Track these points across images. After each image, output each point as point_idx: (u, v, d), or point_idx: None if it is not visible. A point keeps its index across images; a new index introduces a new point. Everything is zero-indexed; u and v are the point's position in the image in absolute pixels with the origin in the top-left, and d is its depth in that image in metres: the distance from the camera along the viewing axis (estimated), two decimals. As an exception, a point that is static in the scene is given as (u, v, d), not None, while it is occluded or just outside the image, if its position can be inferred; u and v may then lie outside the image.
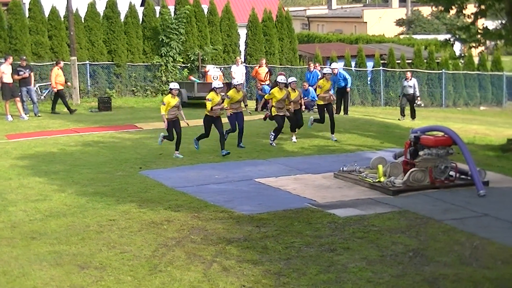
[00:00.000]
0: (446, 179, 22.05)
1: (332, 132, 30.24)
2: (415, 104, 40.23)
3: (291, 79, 30.63)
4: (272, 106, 29.19)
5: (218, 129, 27.26)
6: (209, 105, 26.66)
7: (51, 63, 42.74)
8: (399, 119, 38.91)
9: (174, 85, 26.87)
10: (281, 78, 29.60)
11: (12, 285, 14.82)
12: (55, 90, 38.06)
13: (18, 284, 14.83)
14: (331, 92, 31.83)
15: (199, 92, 41.05)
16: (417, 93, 40.26)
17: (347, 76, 40.31)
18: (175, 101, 26.32)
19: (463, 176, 22.69)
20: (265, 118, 31.46)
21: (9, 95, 35.57)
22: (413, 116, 39.63)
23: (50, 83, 41.51)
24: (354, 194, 21.14)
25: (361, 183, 22.24)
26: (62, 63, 39.34)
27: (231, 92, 28.51)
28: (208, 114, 27.05)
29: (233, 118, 28.47)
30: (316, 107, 31.85)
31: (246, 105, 29.33)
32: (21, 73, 35.95)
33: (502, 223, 18.61)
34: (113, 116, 37.82)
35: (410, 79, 40.16)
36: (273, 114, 28.93)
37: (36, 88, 38.76)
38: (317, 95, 30.99)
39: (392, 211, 19.31)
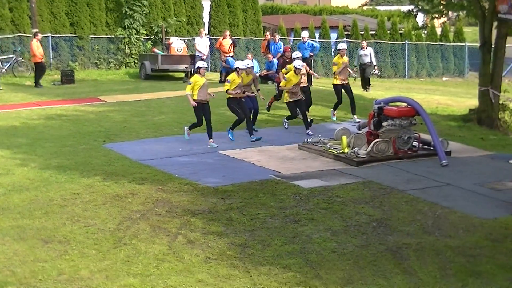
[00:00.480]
0: (409, 150, 22.24)
1: (353, 113, 29.54)
2: (372, 73, 40.34)
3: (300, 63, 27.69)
4: (285, 92, 27.25)
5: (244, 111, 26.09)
6: (226, 87, 25.56)
7: (12, 35, 42.58)
8: (366, 90, 38.96)
9: (202, 64, 25.45)
10: (298, 64, 27.04)
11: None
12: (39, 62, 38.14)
13: (-17, 258, 14.85)
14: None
15: (163, 64, 41.02)
16: (374, 62, 40.24)
17: (316, 44, 40.35)
18: (202, 80, 24.83)
19: (426, 147, 22.88)
20: (268, 108, 31.02)
21: (-30, 68, 35.61)
22: (366, 85, 40.11)
23: (12, 56, 41.39)
24: (318, 165, 21.25)
25: (325, 154, 22.36)
26: (40, 36, 39.23)
27: (232, 76, 26.16)
28: (231, 96, 25.69)
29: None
30: (333, 87, 30.27)
31: (258, 90, 27.54)
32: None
33: (463, 192, 18.82)
34: (76, 89, 37.71)
35: (366, 48, 40.23)
36: (285, 101, 27.28)
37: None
38: (333, 73, 29.96)
39: (356, 182, 19.45)
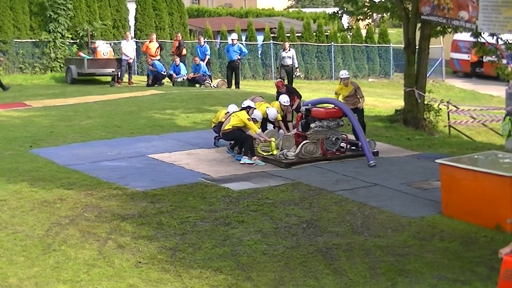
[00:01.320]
0: (337, 151, 22.39)
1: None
2: (294, 75, 40.44)
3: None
4: None
5: None
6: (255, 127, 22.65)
7: None
8: None
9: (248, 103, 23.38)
10: (343, 73, 25.62)
11: None
12: None
13: None
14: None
15: (89, 68, 40.85)
16: (296, 64, 40.33)
17: (244, 50, 40.51)
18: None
19: (353, 147, 23.06)
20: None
21: None
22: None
23: None
24: (248, 167, 21.32)
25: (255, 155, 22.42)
26: None
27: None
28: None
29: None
30: None
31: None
32: None
33: (391, 192, 19.04)
34: (1, 94, 37.43)
35: (289, 50, 40.07)
36: None
37: None
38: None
39: (285, 184, 19.56)
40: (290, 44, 42.02)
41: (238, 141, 22.37)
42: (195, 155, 22.71)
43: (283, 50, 40.23)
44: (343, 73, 25.84)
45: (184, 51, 42.46)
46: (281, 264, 14.50)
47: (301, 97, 26.61)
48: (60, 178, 20.44)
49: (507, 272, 10.69)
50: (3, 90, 38.09)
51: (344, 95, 24.36)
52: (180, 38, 42.59)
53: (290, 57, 39.65)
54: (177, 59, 42.15)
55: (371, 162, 21.66)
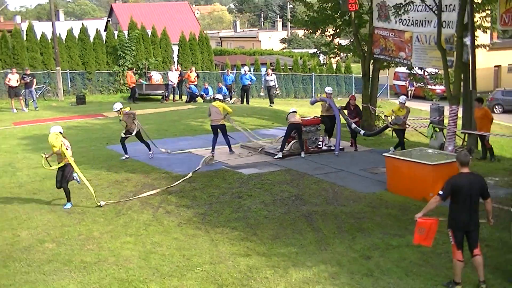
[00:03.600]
0: (316, 147, 22.38)
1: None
2: (274, 93, 40.13)
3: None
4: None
5: None
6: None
7: (42, 72, 42.23)
8: (270, 106, 38.61)
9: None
10: (402, 98, 22.15)
11: (21, 226, 14.82)
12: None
13: (26, 225, 14.84)
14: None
15: (146, 90, 40.82)
16: (276, 85, 40.10)
17: (253, 78, 40.46)
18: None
19: (326, 145, 23.04)
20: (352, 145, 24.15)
21: (13, 94, 35.10)
22: (272, 102, 39.22)
23: (42, 86, 41.00)
24: (255, 158, 21.32)
25: (259, 151, 22.44)
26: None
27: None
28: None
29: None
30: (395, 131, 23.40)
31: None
32: (25, 78, 35.52)
33: (352, 175, 19.09)
34: (87, 108, 37.45)
35: (271, 75, 39.71)
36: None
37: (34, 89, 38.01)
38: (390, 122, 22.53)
39: (280, 169, 19.58)
40: (273, 72, 41.77)
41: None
42: (219, 149, 22.59)
43: (267, 75, 39.96)
44: (402, 99, 21.99)
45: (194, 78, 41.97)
46: (277, 224, 14.62)
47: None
48: (127, 165, 20.56)
49: (420, 229, 11.02)
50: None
51: (397, 114, 21.52)
52: (193, 69, 42.25)
53: (272, 80, 39.35)
54: (206, 84, 42.14)
55: (336, 152, 21.82)
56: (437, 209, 11.49)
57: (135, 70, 44.97)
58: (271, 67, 53.20)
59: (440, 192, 10.80)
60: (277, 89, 41.61)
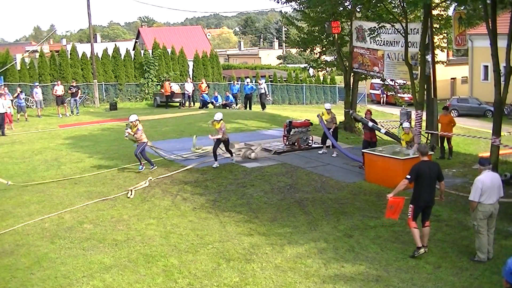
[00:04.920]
0: (307, 145, 22.26)
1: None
2: (267, 99, 39.81)
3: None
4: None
5: None
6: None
7: (83, 84, 42.16)
8: (263, 110, 38.11)
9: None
10: (406, 126, 18.60)
11: (65, 210, 14.72)
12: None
13: (69, 209, 14.75)
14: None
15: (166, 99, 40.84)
16: (267, 92, 39.91)
17: (254, 87, 40.27)
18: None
19: (316, 143, 22.90)
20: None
21: (60, 102, 35.10)
22: (263, 107, 38.78)
23: (83, 95, 40.89)
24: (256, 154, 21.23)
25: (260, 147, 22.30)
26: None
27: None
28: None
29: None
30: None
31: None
32: (72, 89, 35.54)
33: (337, 168, 18.93)
34: (118, 113, 37.33)
35: (261, 84, 39.49)
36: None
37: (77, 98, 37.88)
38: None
39: (277, 163, 19.45)
40: (264, 81, 41.53)
41: None
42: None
43: (259, 85, 39.68)
44: (406, 126, 18.65)
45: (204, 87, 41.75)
46: (275, 209, 14.52)
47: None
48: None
49: (391, 207, 11.34)
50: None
51: (406, 140, 18.33)
52: (204, 81, 42.11)
53: (262, 88, 39.17)
54: (216, 93, 42.02)
55: (321, 151, 21.59)
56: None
57: (158, 82, 44.95)
58: (270, 79, 53.17)
59: (408, 176, 11.27)
60: (268, 96, 41.34)
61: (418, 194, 11.31)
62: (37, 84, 36.86)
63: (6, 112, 29.16)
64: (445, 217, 13.61)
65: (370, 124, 19.97)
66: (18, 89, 35.29)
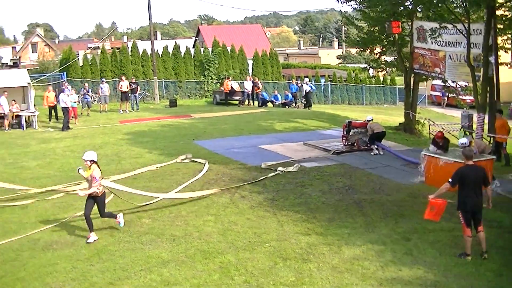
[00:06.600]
0: (366, 146, 22.07)
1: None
2: (310, 98, 39.75)
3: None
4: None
5: None
6: None
7: (143, 80, 42.83)
8: (308, 108, 38.31)
9: None
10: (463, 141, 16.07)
11: (124, 204, 14.93)
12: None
13: (128, 204, 14.96)
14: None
15: (226, 96, 41.11)
16: (312, 90, 39.70)
17: (313, 87, 40.16)
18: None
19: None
20: None
21: (124, 98, 35.78)
22: (310, 105, 38.95)
23: (143, 91, 41.53)
24: (315, 154, 21.12)
25: (318, 147, 22.26)
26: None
27: None
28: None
29: None
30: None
31: None
32: (132, 86, 36.18)
33: (396, 169, 18.72)
34: (178, 110, 37.79)
35: (307, 83, 39.61)
36: None
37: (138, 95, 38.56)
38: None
39: (336, 163, 19.35)
40: (308, 80, 41.76)
41: None
42: (285, 146, 22.57)
43: (305, 83, 39.65)
44: (466, 140, 16.04)
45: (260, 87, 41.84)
46: (333, 209, 14.42)
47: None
48: (209, 157, 20.57)
49: (432, 208, 11.29)
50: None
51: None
52: (257, 80, 42.25)
53: (308, 85, 39.35)
54: (276, 91, 42.17)
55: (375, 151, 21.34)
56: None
57: (217, 79, 45.27)
58: (329, 79, 52.98)
59: (450, 180, 11.12)
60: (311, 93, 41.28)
61: (462, 199, 11.12)
62: (103, 80, 37.71)
63: (71, 107, 29.89)
64: (507, 224, 13.24)
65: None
66: (86, 85, 36.21)
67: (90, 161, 12.38)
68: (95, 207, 12.72)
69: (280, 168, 18.26)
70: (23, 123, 29.79)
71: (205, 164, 19.02)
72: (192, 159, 20.04)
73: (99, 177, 12.44)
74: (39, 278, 10.60)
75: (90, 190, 12.41)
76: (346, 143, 22.12)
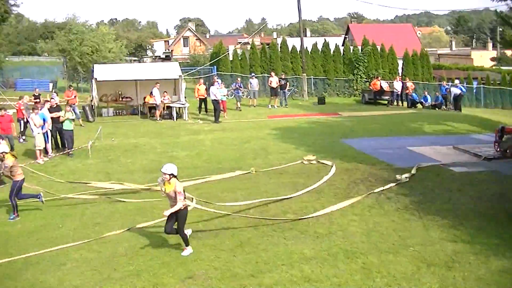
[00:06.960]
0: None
1: None
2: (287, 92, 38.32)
3: None
4: None
5: None
6: None
7: (291, 77, 43.35)
8: (458, 111, 36.86)
9: None
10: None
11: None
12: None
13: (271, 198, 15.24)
14: None
15: (375, 96, 40.72)
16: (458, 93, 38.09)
17: (464, 89, 38.88)
18: None
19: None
20: None
21: (273, 94, 36.57)
22: (460, 109, 37.51)
23: (291, 88, 42.02)
24: (465, 159, 20.47)
25: (468, 152, 21.52)
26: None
27: None
28: None
29: None
30: None
31: None
32: (282, 82, 36.90)
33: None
34: (325, 107, 37.97)
35: (457, 86, 38.17)
36: None
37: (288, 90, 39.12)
38: None
39: (487, 170, 18.59)
40: (459, 82, 40.22)
41: None
42: (434, 149, 22.03)
43: (456, 86, 38.23)
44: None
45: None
46: (482, 217, 13.86)
47: None
48: (356, 156, 20.57)
49: None
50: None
51: None
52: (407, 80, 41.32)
53: (458, 87, 37.94)
54: (426, 92, 41.24)
55: None
56: None
57: (366, 79, 44.92)
58: (482, 81, 50.93)
59: None
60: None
61: None
62: (253, 75, 38.68)
63: (221, 100, 30.92)
64: None
65: None
66: (239, 80, 37.37)
67: (170, 174, 11.35)
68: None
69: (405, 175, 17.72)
70: (174, 114, 31.21)
71: (332, 166, 18.95)
72: (319, 160, 20.01)
73: (184, 191, 11.52)
74: (183, 264, 11.12)
75: (177, 207, 11.36)
76: (498, 149, 21.19)
